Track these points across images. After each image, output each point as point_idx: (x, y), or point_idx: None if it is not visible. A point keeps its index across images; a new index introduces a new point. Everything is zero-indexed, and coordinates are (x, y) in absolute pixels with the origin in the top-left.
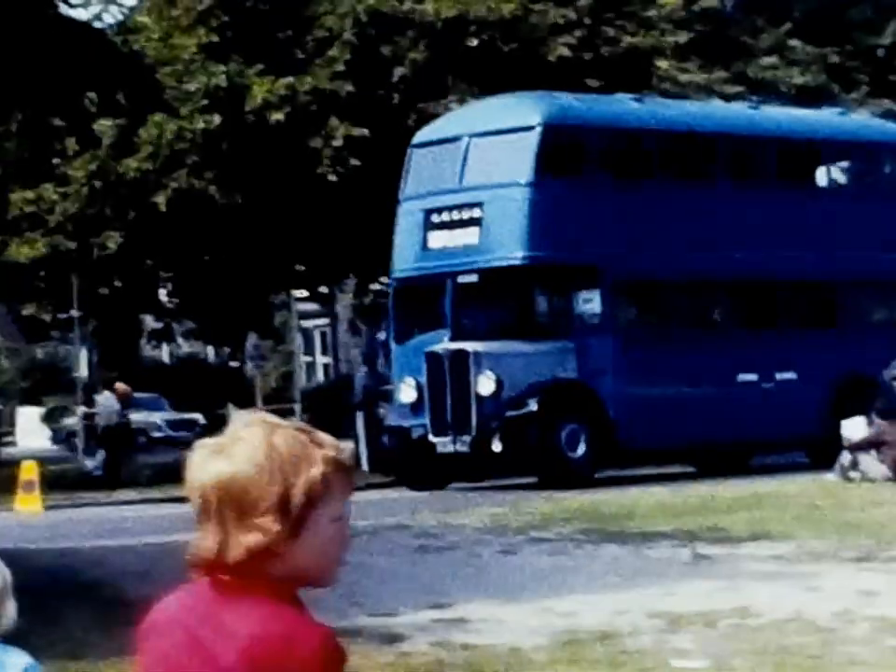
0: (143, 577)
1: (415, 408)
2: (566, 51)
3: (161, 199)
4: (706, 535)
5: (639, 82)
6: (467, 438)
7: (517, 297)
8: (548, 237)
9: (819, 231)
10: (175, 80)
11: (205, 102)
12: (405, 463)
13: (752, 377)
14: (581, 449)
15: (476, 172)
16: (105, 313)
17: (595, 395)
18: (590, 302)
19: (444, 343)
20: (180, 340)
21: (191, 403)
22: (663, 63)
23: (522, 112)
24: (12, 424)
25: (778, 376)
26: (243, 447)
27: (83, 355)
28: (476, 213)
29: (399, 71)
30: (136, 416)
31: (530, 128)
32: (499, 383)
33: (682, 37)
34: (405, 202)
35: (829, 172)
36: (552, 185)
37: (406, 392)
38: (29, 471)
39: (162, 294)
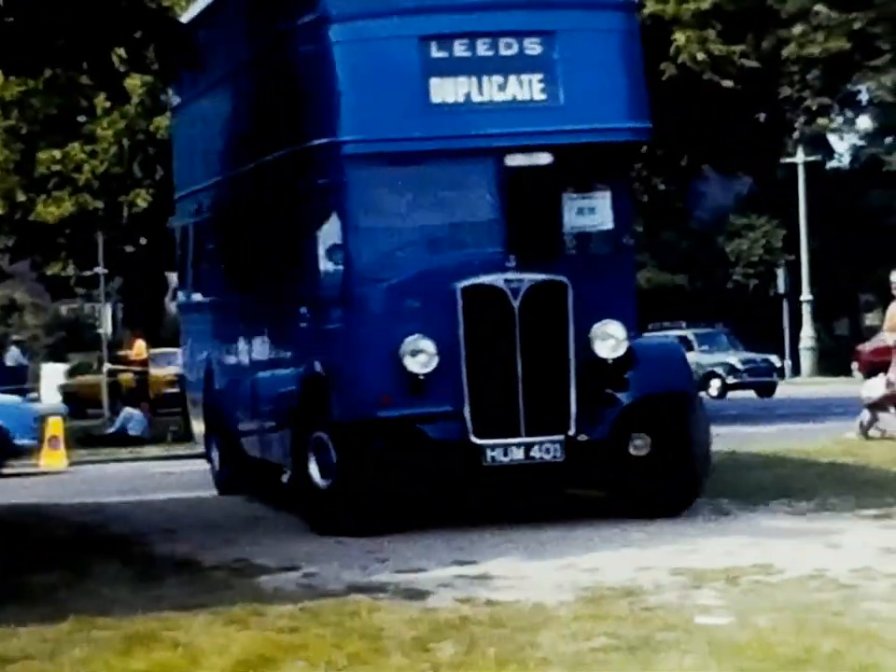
0: (169, 533)
1: (427, 388)
2: None
3: None
4: (727, 492)
5: (658, 55)
6: (558, 438)
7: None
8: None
9: None
10: None
11: None
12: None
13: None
14: None
15: None
16: (131, 270)
17: None
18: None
19: (502, 273)
20: None
21: None
22: (680, 36)
23: None
24: (36, 380)
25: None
26: None
27: (108, 312)
28: (536, 48)
29: None
30: None
31: None
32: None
33: (705, 3)
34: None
35: None
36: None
37: (421, 359)
38: (54, 427)
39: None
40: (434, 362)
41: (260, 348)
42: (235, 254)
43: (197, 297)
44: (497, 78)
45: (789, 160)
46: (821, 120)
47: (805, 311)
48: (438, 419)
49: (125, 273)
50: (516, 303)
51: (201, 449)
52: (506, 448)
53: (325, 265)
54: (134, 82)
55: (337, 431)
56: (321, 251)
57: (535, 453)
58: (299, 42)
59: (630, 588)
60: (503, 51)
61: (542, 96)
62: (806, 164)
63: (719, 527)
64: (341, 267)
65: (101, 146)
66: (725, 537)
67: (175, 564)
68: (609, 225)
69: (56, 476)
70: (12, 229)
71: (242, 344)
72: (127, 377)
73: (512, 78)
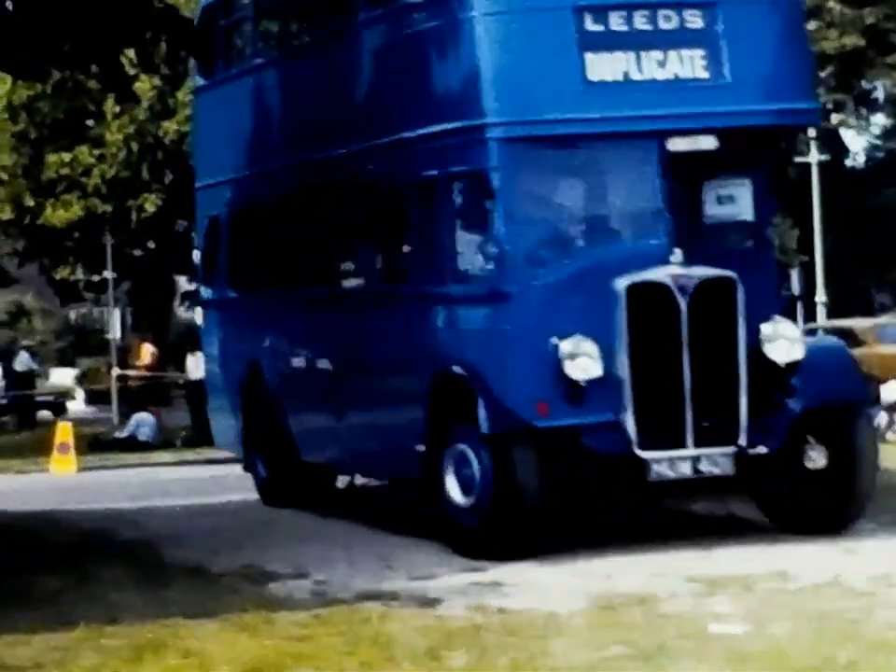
0: (178, 539)
1: (587, 395)
2: None
3: None
4: (742, 497)
5: None
6: (728, 450)
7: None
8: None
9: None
10: None
11: None
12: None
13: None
14: None
15: None
16: (140, 274)
17: None
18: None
19: (667, 268)
20: None
21: None
22: None
23: None
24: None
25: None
26: None
27: (117, 316)
28: (697, 21)
29: None
30: None
31: None
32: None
33: None
34: None
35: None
36: None
37: (582, 363)
38: (64, 433)
39: (197, 256)
40: (597, 367)
41: (352, 348)
42: (318, 245)
43: (236, 292)
44: (657, 54)
45: (802, 159)
46: (836, 117)
47: (820, 312)
48: (598, 430)
49: (133, 278)
50: (684, 302)
51: (213, 454)
52: (672, 462)
53: (465, 259)
54: (144, 86)
55: (486, 443)
56: (461, 244)
57: (703, 466)
58: (435, 12)
59: (644, 595)
60: (662, 25)
61: (706, 74)
62: (820, 164)
63: (733, 533)
64: (487, 261)
65: (109, 150)
66: (740, 543)
67: (184, 570)
68: (760, 216)
69: (65, 482)
70: (21, 233)
71: (318, 344)
72: None
73: (673, 54)
